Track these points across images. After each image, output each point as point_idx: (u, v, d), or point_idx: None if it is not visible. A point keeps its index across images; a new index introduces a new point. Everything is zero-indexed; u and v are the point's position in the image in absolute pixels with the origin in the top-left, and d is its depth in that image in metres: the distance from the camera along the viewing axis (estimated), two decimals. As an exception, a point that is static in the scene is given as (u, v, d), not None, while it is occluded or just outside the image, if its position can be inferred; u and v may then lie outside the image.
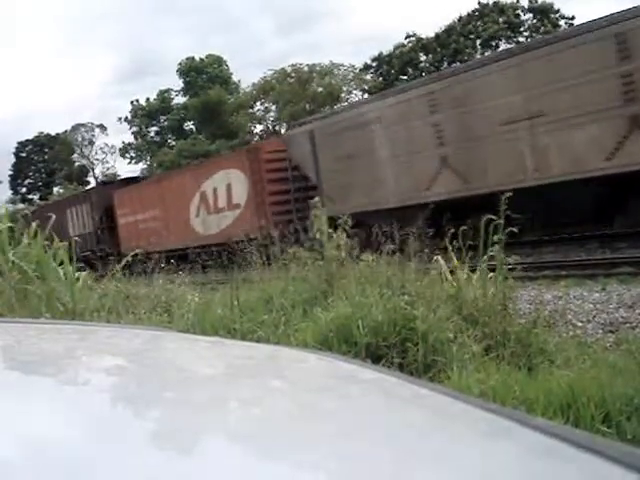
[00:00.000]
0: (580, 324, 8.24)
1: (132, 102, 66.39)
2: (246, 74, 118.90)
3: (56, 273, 8.08)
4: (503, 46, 53.18)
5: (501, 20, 53.94)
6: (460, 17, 55.49)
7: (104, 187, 33.25)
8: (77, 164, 73.58)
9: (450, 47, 53.64)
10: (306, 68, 59.79)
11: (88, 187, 40.08)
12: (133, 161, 66.91)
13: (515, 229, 6.57)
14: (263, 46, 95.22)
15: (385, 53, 57.00)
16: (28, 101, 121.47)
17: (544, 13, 53.56)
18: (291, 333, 6.44)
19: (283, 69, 59.72)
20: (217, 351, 1.55)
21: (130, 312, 7.55)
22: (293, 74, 60.38)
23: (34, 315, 6.81)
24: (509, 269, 6.67)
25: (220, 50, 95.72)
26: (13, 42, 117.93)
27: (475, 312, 6.34)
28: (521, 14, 54.42)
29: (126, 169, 63.71)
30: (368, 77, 56.31)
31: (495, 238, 6.49)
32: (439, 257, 7.22)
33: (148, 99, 65.80)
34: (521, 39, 53.28)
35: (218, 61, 63.00)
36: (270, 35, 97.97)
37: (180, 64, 62.66)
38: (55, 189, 71.04)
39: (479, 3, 54.44)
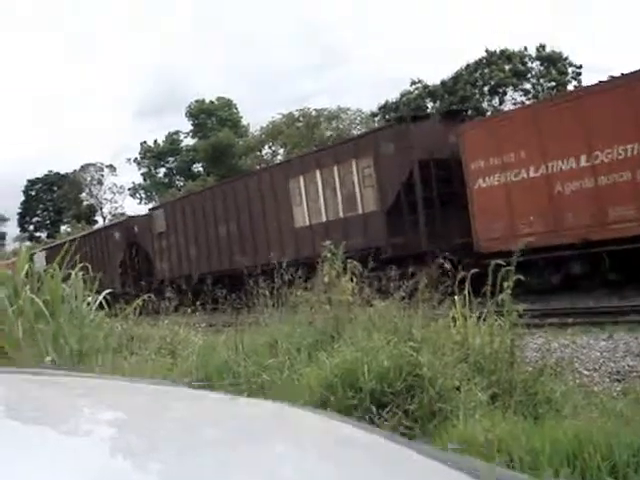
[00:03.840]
0: (587, 372, 8.18)
1: (141, 143, 66.88)
2: (261, 113, 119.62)
3: (68, 310, 8.27)
4: (510, 93, 53.63)
5: (507, 68, 54.14)
6: (467, 65, 55.74)
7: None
8: (85, 203, 73.97)
9: (457, 94, 53.90)
10: (314, 112, 60.39)
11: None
12: (142, 201, 67.17)
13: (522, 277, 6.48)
14: (285, 85, 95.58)
15: (392, 100, 57.07)
16: (40, 139, 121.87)
17: (552, 61, 54.00)
18: (295, 378, 6.33)
19: (291, 113, 60.36)
20: (221, 410, 1.53)
21: (135, 353, 7.45)
22: (301, 118, 61.00)
23: (39, 355, 6.94)
24: (517, 316, 6.55)
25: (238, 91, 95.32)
26: (31, 83, 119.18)
27: (482, 360, 6.27)
28: (528, 62, 54.73)
29: (134, 209, 63.68)
30: (375, 124, 56.22)
31: (505, 285, 6.39)
32: (451, 303, 7.18)
33: (156, 141, 66.22)
34: (527, 86, 53.73)
35: (228, 104, 63.66)
36: (294, 75, 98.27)
37: (190, 106, 63.27)
38: (63, 227, 71.30)
39: (486, 51, 54.68)
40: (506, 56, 54.97)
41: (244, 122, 65.12)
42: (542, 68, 54.51)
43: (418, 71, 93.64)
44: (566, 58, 53.57)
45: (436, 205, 18.81)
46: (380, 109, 58.39)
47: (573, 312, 13.19)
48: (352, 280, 8.32)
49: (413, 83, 57.04)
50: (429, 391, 5.42)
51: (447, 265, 17.06)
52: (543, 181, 16.24)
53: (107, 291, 9.83)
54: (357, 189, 19.88)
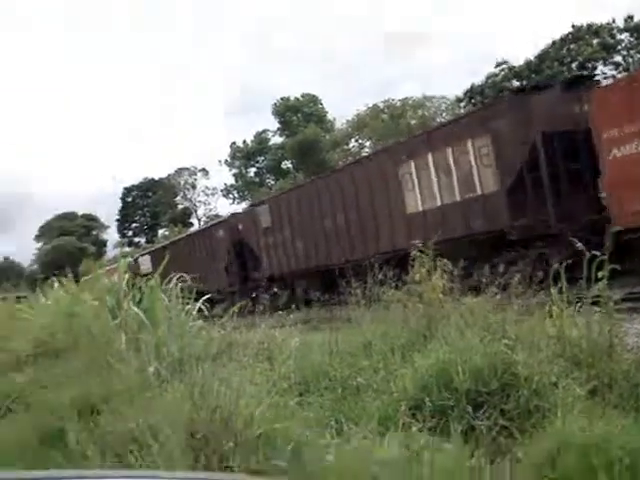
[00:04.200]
0: None
1: (231, 144, 66.38)
2: (348, 105, 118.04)
3: (168, 319, 8.73)
4: (600, 68, 50.94)
5: (595, 42, 51.41)
6: (554, 42, 53.17)
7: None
8: (180, 207, 74.10)
9: (544, 73, 51.40)
10: (398, 103, 59.12)
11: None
12: (235, 201, 66.71)
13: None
14: (369, 73, 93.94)
15: (477, 83, 54.93)
16: (134, 146, 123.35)
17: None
18: (391, 379, 6.16)
19: (376, 105, 59.16)
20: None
21: (234, 359, 7.22)
22: (386, 110, 59.75)
23: (142, 365, 7.22)
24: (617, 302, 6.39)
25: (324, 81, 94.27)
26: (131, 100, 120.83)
27: (579, 353, 6.06)
28: (617, 34, 51.85)
29: (228, 209, 63.43)
30: (461, 110, 54.34)
31: (599, 274, 6.29)
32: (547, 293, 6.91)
33: (245, 141, 65.56)
34: (618, 59, 50.97)
35: (313, 100, 62.69)
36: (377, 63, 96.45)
37: (275, 104, 62.42)
38: (160, 231, 71.51)
39: (573, 26, 52.05)
40: (593, 30, 52.08)
41: (330, 117, 63.97)
42: (632, 39, 51.43)
43: (503, 52, 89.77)
44: (658, 30, 50.46)
45: (563, 181, 16.99)
46: (465, 93, 56.31)
47: None
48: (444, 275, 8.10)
49: (498, 65, 54.80)
50: (525, 389, 5.28)
51: (580, 245, 15.68)
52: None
53: (206, 296, 10.51)
54: (474, 170, 18.14)
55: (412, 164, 20.04)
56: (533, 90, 17.32)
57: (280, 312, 10.49)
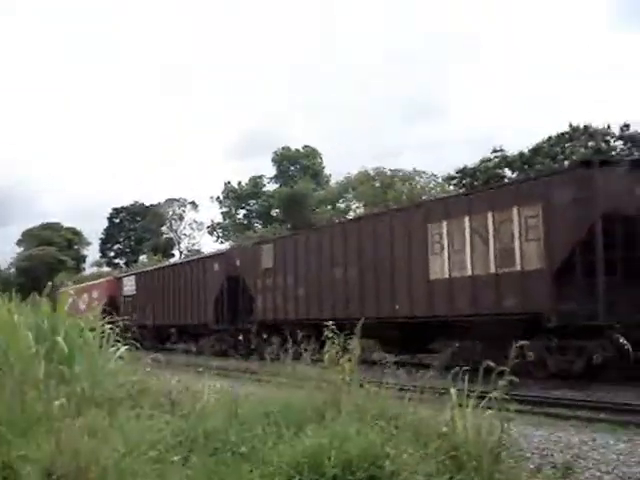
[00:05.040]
0: (598, 474, 7.19)
1: (226, 183, 63.87)
2: (348, 163, 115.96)
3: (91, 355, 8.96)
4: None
5: (590, 145, 49.78)
6: (549, 137, 51.57)
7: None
8: (165, 236, 70.98)
9: (535, 167, 49.55)
10: (389, 172, 57.28)
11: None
12: (219, 240, 63.74)
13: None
14: (375, 138, 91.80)
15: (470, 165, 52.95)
16: (129, 169, 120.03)
17: (635, 142, 49.48)
18: (274, 453, 5.77)
19: (366, 171, 57.28)
20: None
21: (136, 407, 7.14)
22: (376, 177, 57.87)
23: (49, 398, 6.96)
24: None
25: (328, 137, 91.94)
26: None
27: (465, 455, 5.65)
28: (611, 141, 50.24)
29: (211, 246, 60.65)
30: (451, 187, 52.38)
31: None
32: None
33: (240, 182, 62.98)
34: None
35: (313, 153, 60.68)
36: (385, 128, 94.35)
37: (276, 152, 59.99)
38: (141, 257, 68.14)
39: (570, 125, 50.49)
40: (589, 133, 50.49)
41: (327, 172, 61.70)
42: (624, 148, 49.84)
43: (506, 137, 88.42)
44: (650, 141, 48.87)
45: (619, 270, 14.25)
46: (458, 172, 54.15)
47: (600, 407, 11.74)
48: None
49: (494, 151, 52.80)
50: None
51: (624, 342, 13.71)
52: None
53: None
54: (516, 242, 15.31)
55: (444, 225, 17.18)
56: (600, 165, 14.58)
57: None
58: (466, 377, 6.58)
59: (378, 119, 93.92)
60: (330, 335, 8.00)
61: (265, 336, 22.71)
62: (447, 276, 17.11)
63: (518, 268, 15.46)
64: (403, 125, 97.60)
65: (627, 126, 50.79)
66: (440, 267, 17.29)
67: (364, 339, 21.49)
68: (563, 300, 14.66)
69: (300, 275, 22.46)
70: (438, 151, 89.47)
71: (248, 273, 25.37)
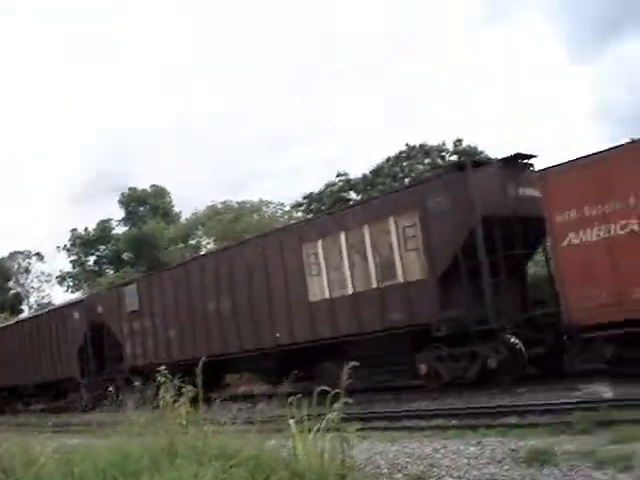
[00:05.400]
0: None
1: (72, 230, 60.24)
2: (201, 199, 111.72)
3: None
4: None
5: (427, 162, 51.06)
6: (388, 158, 52.48)
7: None
8: (12, 292, 66.04)
9: (377, 187, 50.18)
10: (236, 205, 56.22)
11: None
12: (70, 290, 59.92)
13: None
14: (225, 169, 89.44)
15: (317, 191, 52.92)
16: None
17: (468, 155, 51.10)
18: None
19: (214, 205, 55.89)
20: None
21: None
22: (223, 211, 56.68)
23: None
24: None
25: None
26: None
27: None
28: (446, 156, 51.72)
29: (63, 297, 57.00)
30: (299, 214, 51.99)
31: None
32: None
33: (87, 228, 59.67)
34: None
35: (162, 192, 58.31)
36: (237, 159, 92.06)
37: (122, 195, 57.37)
38: (-13, 316, 63.10)
39: (407, 145, 51.63)
40: (425, 150, 51.78)
41: (177, 209, 59.64)
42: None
43: (350, 161, 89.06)
44: (482, 152, 50.59)
45: (502, 271, 13.82)
46: (305, 198, 53.92)
47: (450, 414, 11.71)
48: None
49: (339, 175, 52.99)
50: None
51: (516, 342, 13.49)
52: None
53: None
54: (396, 253, 14.59)
55: (320, 243, 16.20)
56: (473, 167, 14.08)
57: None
58: (314, 401, 6.39)
59: (230, 152, 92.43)
60: (163, 380, 7.84)
61: (137, 383, 20.82)
62: (327, 296, 16.14)
63: (401, 280, 14.77)
64: (262, 155, 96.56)
65: (460, 141, 52.56)
66: (319, 288, 16.32)
67: (244, 373, 19.96)
68: (450, 308, 14.08)
69: (169, 314, 20.84)
70: (292, 179, 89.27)
71: (112, 318, 23.38)
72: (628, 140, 12.76)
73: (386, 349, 15.09)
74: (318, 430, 6.03)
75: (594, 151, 12.58)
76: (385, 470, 7.70)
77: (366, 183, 52.66)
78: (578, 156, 12.81)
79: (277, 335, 17.14)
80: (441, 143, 52.17)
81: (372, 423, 11.38)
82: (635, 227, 11.91)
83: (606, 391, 11.55)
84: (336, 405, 5.92)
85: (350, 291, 15.67)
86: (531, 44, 78.73)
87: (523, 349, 13.44)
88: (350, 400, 5.89)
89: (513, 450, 8.04)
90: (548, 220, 13.04)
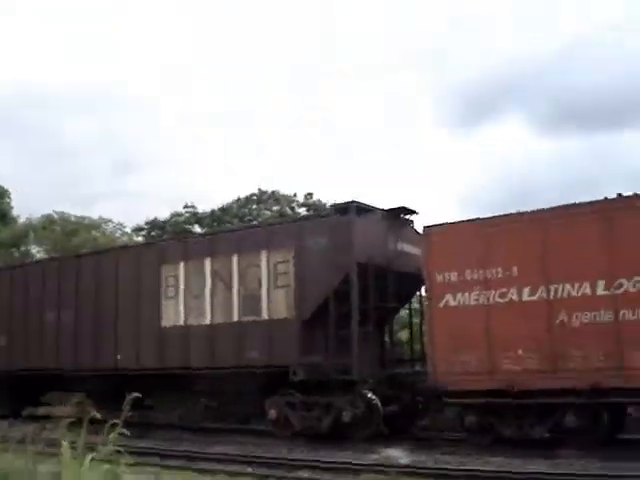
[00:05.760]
0: None
1: None
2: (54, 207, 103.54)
3: None
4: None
5: (275, 208, 50.71)
6: (239, 198, 51.76)
7: None
8: None
9: (225, 225, 49.19)
10: (73, 218, 53.02)
11: None
12: None
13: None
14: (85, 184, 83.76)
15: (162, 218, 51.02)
16: None
17: (316, 209, 51.32)
18: None
19: (50, 215, 52.35)
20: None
21: None
22: (59, 222, 53.29)
23: None
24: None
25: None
26: None
27: None
28: (296, 207, 51.59)
29: None
30: (140, 238, 49.75)
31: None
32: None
33: None
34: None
35: (1, 193, 53.53)
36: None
37: (-45, 192, 52.39)
38: None
39: (259, 189, 51.24)
40: (275, 197, 51.50)
41: (16, 212, 55.22)
42: (308, 214, 51.53)
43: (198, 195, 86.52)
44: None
45: (371, 322, 13.11)
46: (147, 224, 51.80)
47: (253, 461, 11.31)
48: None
49: (186, 206, 51.46)
50: None
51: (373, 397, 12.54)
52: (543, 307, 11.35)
53: None
54: (264, 288, 13.52)
55: (182, 266, 14.80)
56: (358, 212, 13.35)
57: None
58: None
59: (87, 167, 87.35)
60: None
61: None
62: (182, 323, 14.71)
63: (265, 317, 13.72)
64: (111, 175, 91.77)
65: (310, 194, 52.69)
66: (174, 313, 14.90)
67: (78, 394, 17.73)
68: (312, 353, 13.15)
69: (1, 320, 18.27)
70: (137, 203, 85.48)
71: None
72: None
73: (239, 388, 13.86)
74: (92, 460, 5.39)
75: (480, 216, 12.29)
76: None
77: (213, 218, 51.48)
78: (465, 218, 12.47)
79: (119, 357, 15.39)
80: (293, 194, 52.20)
81: (168, 461, 11.54)
82: (514, 297, 11.60)
83: (402, 457, 11.26)
84: (111, 435, 5.38)
85: (208, 321, 14.37)
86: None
87: (379, 405, 12.68)
88: (127, 432, 5.30)
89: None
90: (427, 278, 12.55)
